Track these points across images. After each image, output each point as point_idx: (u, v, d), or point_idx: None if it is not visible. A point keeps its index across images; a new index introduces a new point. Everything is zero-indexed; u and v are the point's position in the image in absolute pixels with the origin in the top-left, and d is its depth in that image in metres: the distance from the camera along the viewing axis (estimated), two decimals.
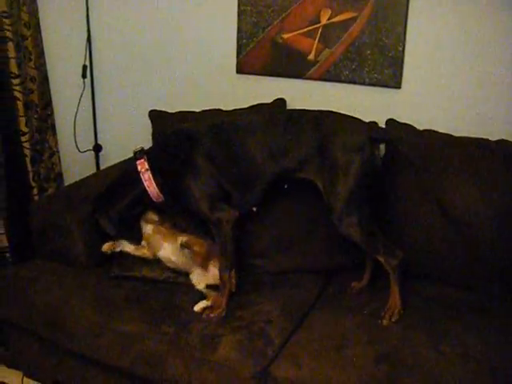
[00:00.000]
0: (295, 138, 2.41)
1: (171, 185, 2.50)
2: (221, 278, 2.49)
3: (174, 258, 2.62)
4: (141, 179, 2.50)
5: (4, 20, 2.95)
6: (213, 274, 2.59)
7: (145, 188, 2.51)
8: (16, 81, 3.07)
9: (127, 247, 2.67)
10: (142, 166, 2.50)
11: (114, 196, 2.58)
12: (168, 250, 2.63)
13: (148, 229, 2.66)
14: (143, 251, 2.67)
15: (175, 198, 2.55)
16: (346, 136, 2.36)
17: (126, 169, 2.61)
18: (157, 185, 2.51)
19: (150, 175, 2.49)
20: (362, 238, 2.39)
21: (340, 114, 2.47)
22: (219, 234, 2.47)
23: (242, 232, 2.60)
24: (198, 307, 2.45)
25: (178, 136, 2.56)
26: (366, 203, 2.39)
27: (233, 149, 2.46)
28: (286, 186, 2.60)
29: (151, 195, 2.52)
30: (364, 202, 2.38)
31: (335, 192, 2.35)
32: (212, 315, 2.40)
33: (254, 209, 2.62)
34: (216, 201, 2.46)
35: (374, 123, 2.70)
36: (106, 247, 2.66)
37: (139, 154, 2.54)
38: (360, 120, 2.48)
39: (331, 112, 2.48)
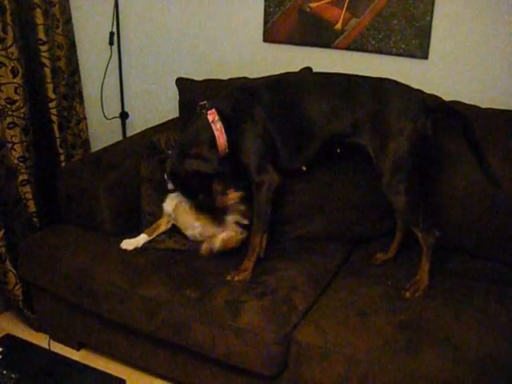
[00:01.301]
0: (352, 100, 2.43)
1: (233, 138, 2.50)
2: (252, 240, 2.51)
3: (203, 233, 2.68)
4: (212, 129, 2.47)
5: None
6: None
7: (215, 138, 2.48)
8: (43, 47, 3.07)
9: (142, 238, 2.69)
10: (213, 116, 2.47)
11: (189, 146, 2.49)
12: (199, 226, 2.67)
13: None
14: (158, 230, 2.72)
15: (233, 152, 2.53)
16: (401, 103, 2.37)
17: (195, 120, 2.53)
18: (227, 137, 2.50)
19: (222, 125, 2.47)
20: (406, 208, 2.40)
21: (397, 82, 2.46)
22: (259, 196, 2.49)
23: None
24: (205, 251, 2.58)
25: (240, 91, 2.56)
26: (415, 173, 2.39)
27: (291, 106, 2.49)
28: (338, 151, 2.61)
29: (219, 146, 2.49)
30: (413, 172, 2.38)
31: (386, 158, 2.36)
32: (237, 278, 2.43)
33: (304, 168, 2.65)
34: (264, 160, 2.47)
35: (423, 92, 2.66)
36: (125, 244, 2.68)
37: (208, 105, 2.51)
38: (417, 90, 2.47)
39: (389, 80, 2.48)
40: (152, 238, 2.68)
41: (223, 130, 2.47)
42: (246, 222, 2.65)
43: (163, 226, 2.72)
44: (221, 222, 2.65)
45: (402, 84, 2.46)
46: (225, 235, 2.63)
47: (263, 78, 2.68)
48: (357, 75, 2.55)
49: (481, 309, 2.25)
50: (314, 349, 2.11)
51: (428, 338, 2.10)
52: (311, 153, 2.54)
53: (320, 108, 2.46)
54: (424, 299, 2.33)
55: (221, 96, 2.57)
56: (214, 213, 2.63)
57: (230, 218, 2.66)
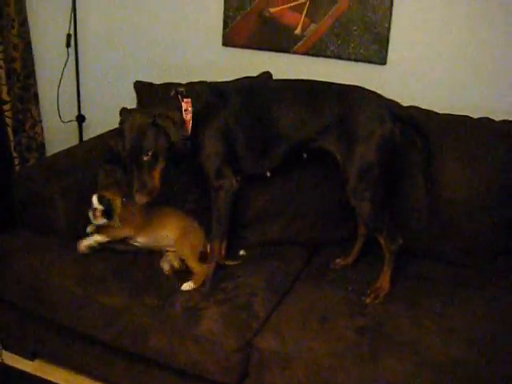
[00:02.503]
0: (319, 106, 2.42)
1: (196, 136, 2.44)
2: (211, 247, 2.49)
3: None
4: (183, 118, 2.39)
5: None
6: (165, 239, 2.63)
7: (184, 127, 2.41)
8: None
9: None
10: (188, 105, 2.40)
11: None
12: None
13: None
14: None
15: (193, 150, 2.47)
16: (370, 109, 2.37)
17: (168, 101, 2.47)
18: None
19: (191, 118, 2.41)
20: (372, 215, 2.41)
21: (365, 89, 2.48)
22: (217, 201, 2.46)
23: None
24: (185, 287, 2.45)
25: (212, 91, 2.50)
26: (382, 180, 2.39)
27: (258, 111, 2.47)
28: (304, 156, 2.58)
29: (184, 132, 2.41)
30: (380, 179, 2.38)
31: (353, 163, 2.36)
32: (195, 285, 2.41)
33: (268, 174, 2.62)
34: (224, 164, 2.44)
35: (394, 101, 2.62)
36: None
37: (186, 93, 2.43)
38: (383, 97, 2.47)
39: (356, 86, 2.48)
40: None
41: (190, 122, 2.41)
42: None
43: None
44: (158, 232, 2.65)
45: (370, 91, 2.48)
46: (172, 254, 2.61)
47: (234, 81, 2.65)
48: (324, 82, 2.54)
49: (441, 313, 2.28)
50: (274, 355, 2.10)
51: (389, 342, 2.11)
52: (277, 158, 2.52)
53: (287, 114, 2.45)
54: (384, 303, 2.35)
55: (192, 91, 2.51)
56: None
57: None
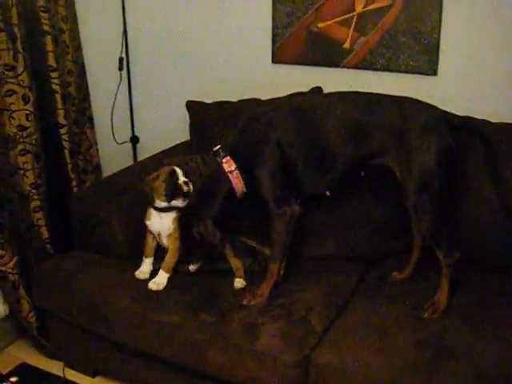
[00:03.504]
0: (375, 120, 2.37)
1: (250, 175, 2.43)
2: (271, 267, 2.47)
3: None
4: (229, 179, 2.41)
5: (42, 14, 2.97)
6: None
7: (233, 187, 2.43)
8: (54, 74, 3.09)
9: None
10: (229, 165, 2.41)
11: (208, 201, 2.48)
12: None
13: None
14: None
15: (251, 188, 2.48)
16: (425, 121, 2.33)
17: (213, 172, 2.49)
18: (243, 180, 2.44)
19: (238, 173, 2.41)
20: (432, 228, 2.37)
21: (417, 100, 2.44)
22: (279, 226, 2.43)
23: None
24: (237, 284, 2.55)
25: (254, 121, 2.48)
26: (441, 192, 2.36)
27: (309, 131, 2.41)
28: (362, 174, 2.54)
29: (237, 192, 2.44)
30: (439, 191, 2.35)
31: (412, 177, 2.32)
32: (253, 302, 2.41)
33: (328, 193, 2.59)
34: (285, 190, 2.42)
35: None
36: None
37: (223, 151, 2.43)
38: (436, 106, 2.43)
39: (409, 98, 2.44)
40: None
41: (240, 176, 2.42)
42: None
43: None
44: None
45: (423, 102, 2.44)
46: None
47: (275, 101, 2.63)
48: (375, 93, 2.50)
49: (500, 325, 2.23)
50: (332, 370, 2.09)
51: (448, 356, 2.07)
52: (335, 177, 2.47)
53: (341, 131, 2.39)
54: (443, 317, 2.31)
55: (234, 132, 2.50)
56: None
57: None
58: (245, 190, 2.45)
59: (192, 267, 2.62)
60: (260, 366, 2.18)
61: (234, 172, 2.41)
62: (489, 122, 2.69)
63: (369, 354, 2.11)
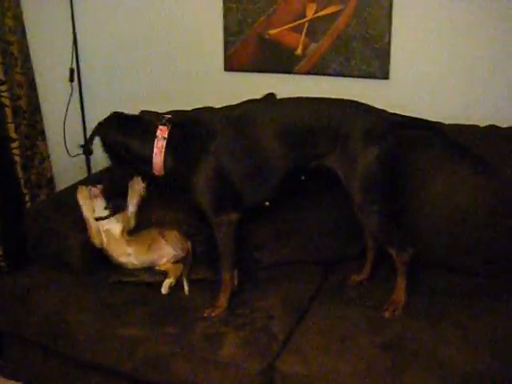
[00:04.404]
0: (315, 123, 2.36)
1: (180, 169, 2.42)
2: (223, 278, 2.47)
3: (138, 259, 2.67)
4: (153, 143, 2.40)
5: None
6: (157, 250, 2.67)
7: (152, 154, 2.40)
8: (3, 87, 3.04)
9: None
10: (163, 132, 2.39)
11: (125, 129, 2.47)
12: (131, 253, 2.67)
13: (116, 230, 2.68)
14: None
15: (179, 185, 2.51)
16: (366, 122, 2.33)
17: (147, 122, 2.47)
18: (164, 159, 2.41)
19: (164, 145, 2.38)
20: (381, 228, 2.39)
21: (358, 102, 2.43)
22: (220, 236, 2.44)
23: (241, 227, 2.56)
24: (164, 289, 2.54)
25: (197, 125, 2.46)
26: (387, 192, 2.37)
27: (251, 139, 2.40)
28: (303, 178, 2.55)
29: (154, 165, 2.41)
30: (385, 191, 2.36)
31: (356, 180, 2.33)
32: (213, 314, 2.40)
33: (267, 203, 2.58)
34: (221, 202, 2.41)
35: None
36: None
37: (165, 121, 2.42)
38: (377, 108, 2.44)
39: (350, 100, 2.44)
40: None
41: (162, 151, 2.39)
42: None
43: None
44: (154, 244, 2.67)
45: (363, 103, 2.44)
46: (170, 265, 2.65)
47: (223, 108, 2.62)
48: (318, 98, 2.50)
49: (462, 324, 2.25)
50: (298, 377, 2.08)
51: (412, 357, 2.09)
52: (274, 186, 2.46)
53: (280, 139, 2.37)
54: (404, 318, 2.32)
55: (179, 122, 2.49)
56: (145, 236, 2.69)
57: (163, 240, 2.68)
58: (162, 171, 2.42)
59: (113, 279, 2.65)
60: (224, 375, 2.17)
61: (161, 141, 2.38)
62: (441, 123, 2.72)
63: (333, 359, 2.11)
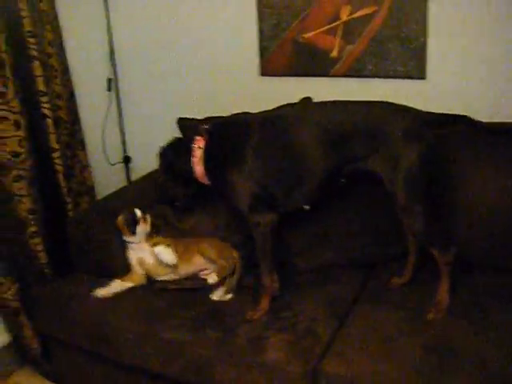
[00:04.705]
0: (354, 126, 2.35)
1: (218, 173, 2.49)
2: (262, 281, 2.48)
3: (178, 273, 2.68)
4: (192, 154, 2.54)
5: (29, 39, 2.98)
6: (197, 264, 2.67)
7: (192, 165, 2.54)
8: (44, 98, 3.09)
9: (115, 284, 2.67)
10: (199, 143, 2.52)
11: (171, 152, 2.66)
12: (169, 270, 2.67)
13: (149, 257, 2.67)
14: (136, 279, 2.69)
15: (219, 188, 2.55)
16: (404, 123, 2.32)
17: (184, 139, 2.70)
18: (205, 167, 2.52)
19: (201, 154, 2.51)
20: (423, 229, 2.36)
21: (393, 103, 2.43)
22: (256, 238, 2.46)
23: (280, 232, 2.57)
24: (216, 296, 2.56)
25: (235, 125, 2.55)
26: (429, 192, 2.35)
27: (287, 141, 2.41)
28: (343, 181, 2.52)
29: (196, 174, 2.55)
30: (427, 191, 2.34)
31: (398, 181, 2.31)
32: (255, 317, 2.41)
33: (307, 207, 2.58)
34: (257, 202, 2.42)
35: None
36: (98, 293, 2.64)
37: (203, 130, 2.55)
38: (414, 108, 2.43)
39: (385, 102, 2.44)
40: (126, 285, 2.66)
41: (200, 159, 2.52)
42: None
43: (137, 279, 2.69)
44: (193, 258, 2.68)
45: (401, 104, 2.43)
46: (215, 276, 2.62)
47: (261, 113, 2.65)
48: (353, 101, 2.50)
49: (506, 325, 2.23)
50: (342, 380, 2.08)
51: (455, 358, 2.07)
52: (312, 190, 2.47)
53: (318, 141, 2.38)
54: (447, 318, 2.31)
55: (216, 127, 2.56)
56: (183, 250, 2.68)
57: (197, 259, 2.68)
58: (206, 178, 2.55)
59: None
60: (268, 378, 2.17)
61: (198, 151, 2.52)
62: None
63: (377, 360, 2.10)
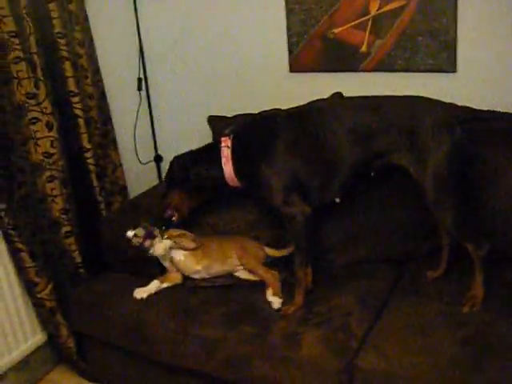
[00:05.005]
0: (383, 120, 2.36)
1: (249, 169, 2.49)
2: (296, 275, 2.48)
3: (210, 273, 2.66)
4: (220, 155, 2.51)
5: (59, 40, 3.00)
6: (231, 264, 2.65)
7: (222, 166, 2.52)
8: (75, 99, 3.11)
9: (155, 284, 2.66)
10: (225, 142, 2.51)
11: (193, 159, 2.62)
12: (202, 270, 2.65)
13: (179, 255, 2.65)
14: (171, 278, 2.69)
15: (250, 185, 2.55)
16: (435, 118, 2.32)
17: (211, 142, 2.66)
18: (234, 166, 2.51)
19: (229, 153, 2.50)
20: (455, 223, 2.36)
21: (425, 97, 2.43)
22: (291, 230, 2.47)
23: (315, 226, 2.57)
24: (275, 305, 2.47)
25: (262, 121, 2.57)
26: (460, 187, 2.35)
27: (317, 135, 2.43)
28: (372, 174, 2.52)
29: (226, 175, 2.52)
30: (458, 186, 2.34)
31: (428, 175, 2.31)
32: (290, 312, 2.41)
33: (338, 200, 2.58)
34: (290, 194, 2.43)
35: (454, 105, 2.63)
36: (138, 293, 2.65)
37: (228, 131, 2.55)
38: (444, 102, 2.44)
39: (417, 96, 2.45)
40: (164, 285, 2.66)
41: (230, 159, 2.50)
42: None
43: (174, 278, 2.69)
44: (223, 257, 2.66)
45: (431, 99, 2.44)
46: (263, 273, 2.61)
47: (289, 108, 2.65)
48: (382, 96, 2.52)
49: None
50: (378, 374, 2.07)
51: (492, 352, 2.05)
52: (342, 183, 2.48)
53: (350, 132, 2.39)
54: (482, 312, 2.29)
55: (244, 124, 2.57)
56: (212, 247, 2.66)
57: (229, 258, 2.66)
58: (236, 179, 2.53)
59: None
60: (305, 374, 2.18)
61: (226, 150, 2.50)
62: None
63: (413, 355, 2.09)
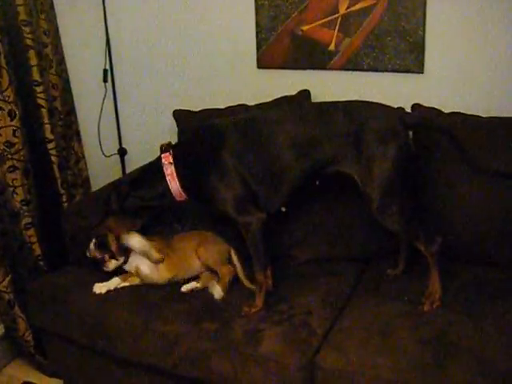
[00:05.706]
0: (327, 129, 2.33)
1: (196, 183, 2.45)
2: (256, 278, 2.46)
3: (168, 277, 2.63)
4: (164, 173, 2.45)
5: (24, 28, 2.95)
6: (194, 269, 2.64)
7: (167, 184, 2.45)
8: (39, 88, 3.07)
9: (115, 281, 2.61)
10: (167, 159, 2.45)
11: (134, 184, 2.55)
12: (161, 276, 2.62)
13: (145, 268, 2.60)
14: (132, 279, 2.64)
15: (200, 198, 2.51)
16: (380, 123, 2.30)
17: (151, 162, 2.55)
18: (180, 181, 2.45)
19: (173, 169, 2.44)
20: (403, 227, 2.36)
21: (369, 102, 2.41)
22: (248, 237, 2.43)
23: (269, 231, 2.51)
24: (185, 288, 2.52)
25: (205, 131, 2.50)
26: (405, 191, 2.34)
27: (261, 144, 2.39)
28: (317, 183, 2.52)
29: (173, 192, 2.46)
30: (403, 190, 2.33)
31: (373, 182, 2.29)
32: (250, 313, 2.39)
33: (283, 209, 2.57)
34: (243, 203, 2.40)
35: (402, 109, 2.67)
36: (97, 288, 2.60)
37: (166, 147, 2.49)
38: (390, 107, 2.43)
39: (361, 101, 2.43)
40: (124, 284, 2.62)
41: (175, 175, 2.44)
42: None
43: (136, 280, 2.64)
44: (184, 267, 2.64)
45: (374, 103, 2.41)
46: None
47: (233, 117, 2.61)
48: (326, 102, 2.51)
49: (501, 319, 2.22)
50: (338, 373, 2.06)
51: (452, 352, 2.06)
52: (288, 193, 2.44)
53: (294, 142, 2.36)
54: (443, 312, 2.30)
55: (183, 137, 2.55)
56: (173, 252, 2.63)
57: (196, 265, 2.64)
58: (183, 193, 2.48)
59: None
60: (264, 371, 2.16)
61: (169, 167, 2.44)
62: (479, 116, 2.71)
63: (373, 354, 2.09)
